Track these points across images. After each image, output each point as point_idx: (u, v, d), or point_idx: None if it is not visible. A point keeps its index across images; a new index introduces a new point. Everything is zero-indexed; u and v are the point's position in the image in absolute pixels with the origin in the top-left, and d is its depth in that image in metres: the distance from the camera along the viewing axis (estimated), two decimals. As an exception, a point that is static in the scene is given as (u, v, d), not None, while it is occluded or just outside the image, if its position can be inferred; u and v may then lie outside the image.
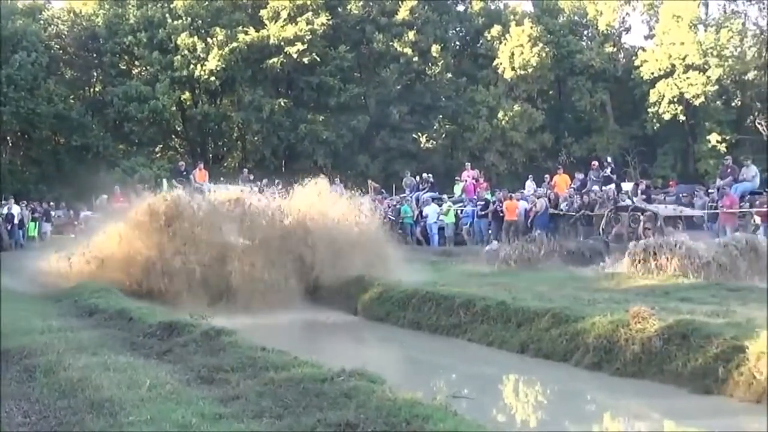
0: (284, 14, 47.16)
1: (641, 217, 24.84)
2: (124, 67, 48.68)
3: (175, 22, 46.35)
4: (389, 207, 34.52)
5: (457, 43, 55.51)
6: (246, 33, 46.57)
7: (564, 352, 13.23)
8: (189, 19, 46.57)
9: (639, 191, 29.62)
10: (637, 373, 11.96)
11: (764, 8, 55.16)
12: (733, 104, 51.16)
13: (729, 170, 29.84)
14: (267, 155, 47.52)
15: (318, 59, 47.22)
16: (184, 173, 32.12)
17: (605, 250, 23.13)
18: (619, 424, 11.11)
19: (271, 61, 46.40)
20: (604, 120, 52.16)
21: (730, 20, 52.62)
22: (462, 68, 52.99)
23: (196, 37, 46.05)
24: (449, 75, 51.08)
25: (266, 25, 47.33)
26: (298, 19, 46.96)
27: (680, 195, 28.57)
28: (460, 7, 55.27)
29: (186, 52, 45.69)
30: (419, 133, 49.09)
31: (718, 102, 50.15)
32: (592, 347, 12.68)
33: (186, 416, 8.06)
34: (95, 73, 49.94)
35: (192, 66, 45.58)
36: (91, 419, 8.13)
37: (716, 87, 49.53)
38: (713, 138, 48.91)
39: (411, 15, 50.14)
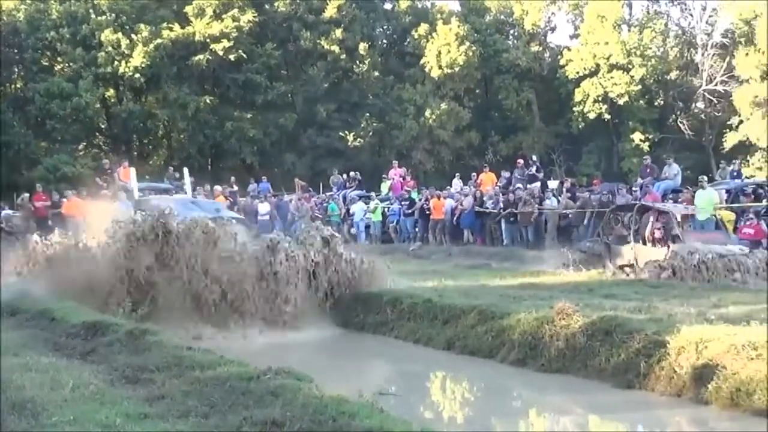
0: (210, 11, 46.72)
1: (651, 217, 23.42)
2: (47, 64, 47.72)
3: (99, 18, 45.50)
4: (316, 205, 34.51)
5: (385, 41, 55.65)
6: (171, 30, 46.05)
7: (490, 349, 13.44)
8: (113, 15, 45.73)
9: (564, 189, 30.00)
10: (562, 368, 12.24)
11: (686, 9, 55.88)
12: (655, 103, 52.04)
13: (648, 170, 30.54)
14: (193, 153, 47.08)
15: (244, 56, 47.01)
16: (109, 171, 31.74)
17: (606, 252, 22.46)
18: (544, 419, 11.36)
19: (196, 58, 46.00)
20: (530, 118, 52.58)
21: (653, 21, 53.43)
22: (389, 66, 53.09)
23: (120, 34, 45.24)
24: (376, 73, 51.20)
25: (191, 21, 46.87)
26: (224, 16, 46.59)
27: (603, 193, 28.90)
28: (388, 6, 55.39)
29: (110, 48, 44.88)
30: (346, 131, 49.09)
31: (641, 101, 50.88)
32: (518, 344, 12.92)
33: (110, 416, 7.95)
34: (16, 69, 48.73)
35: (116, 63, 44.84)
36: (13, 420, 7.96)
37: (639, 86, 50.27)
38: (636, 137, 49.80)
39: (338, 13, 50.09)
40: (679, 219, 22.68)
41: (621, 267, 21.37)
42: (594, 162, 49.76)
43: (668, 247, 21.29)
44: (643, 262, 21.14)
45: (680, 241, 21.49)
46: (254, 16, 47.65)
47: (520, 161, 35.69)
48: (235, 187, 33.98)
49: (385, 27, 55.86)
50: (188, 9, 47.12)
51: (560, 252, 23.52)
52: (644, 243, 21.96)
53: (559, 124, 51.98)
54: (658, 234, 22.12)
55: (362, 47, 50.37)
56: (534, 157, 37.72)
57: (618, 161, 49.44)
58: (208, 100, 46.63)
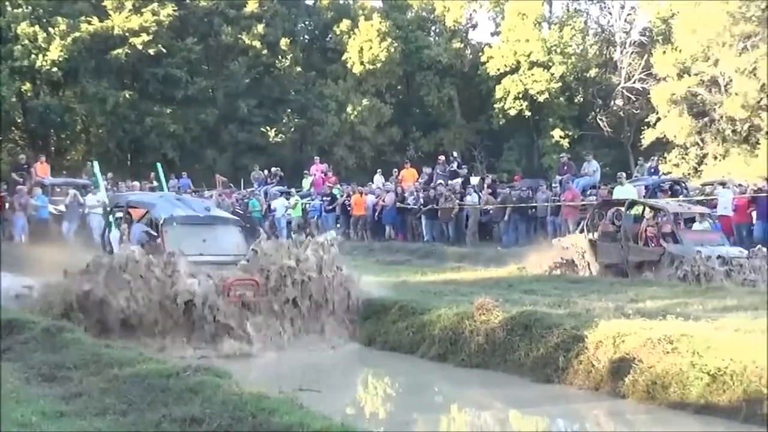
0: (129, 5, 46.09)
1: (646, 214, 22.61)
2: (-39, 57, 46.59)
3: (15, 11, 44.61)
4: (237, 201, 34.39)
5: (306, 36, 55.72)
6: (89, 23, 45.29)
7: (411, 344, 13.73)
8: (29, 7, 44.92)
9: (485, 185, 30.31)
10: (482, 363, 12.45)
11: (605, 7, 56.77)
12: (575, 101, 52.69)
13: (566, 167, 31.07)
14: (112, 148, 46.50)
15: (164, 51, 46.52)
16: (25, 167, 31.28)
17: (591, 251, 21.58)
18: (465, 414, 11.55)
19: (115, 52, 45.35)
20: (451, 115, 52.83)
21: (572, 19, 54.53)
22: (311, 62, 53.12)
23: (37, 27, 44.40)
24: (298, 69, 51.15)
25: (110, 15, 46.19)
26: (143, 10, 46.05)
27: (523, 189, 29.26)
28: (309, 1, 55.35)
29: (26, 41, 44.01)
30: (268, 127, 48.90)
31: (561, 98, 51.56)
32: (438, 339, 13.15)
33: (26, 415, 7.90)
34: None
35: (33, 56, 43.99)
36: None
37: (559, 84, 50.99)
38: (556, 133, 50.53)
39: (260, 8, 49.92)
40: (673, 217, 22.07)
41: (608, 267, 20.76)
42: (515, 158, 50.31)
43: (661, 246, 20.86)
44: (635, 262, 20.72)
45: (673, 241, 21.02)
46: (174, 11, 47.18)
47: (442, 157, 35.97)
48: (155, 183, 33.53)
49: (306, 22, 55.88)
50: (107, 2, 46.44)
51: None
52: (636, 242, 21.25)
53: (480, 120, 52.31)
54: (651, 232, 21.39)
55: (284, 43, 50.32)
56: (455, 154, 38.38)
57: (538, 158, 50.10)
58: (127, 95, 46.04)
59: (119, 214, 19.17)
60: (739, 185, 30.82)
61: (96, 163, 26.15)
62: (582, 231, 22.35)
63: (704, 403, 9.74)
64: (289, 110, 50.67)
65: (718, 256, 19.59)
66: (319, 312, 15.18)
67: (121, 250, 15.45)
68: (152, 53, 46.19)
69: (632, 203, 23.16)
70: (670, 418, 9.73)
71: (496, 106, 50.68)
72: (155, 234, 16.82)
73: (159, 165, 26.77)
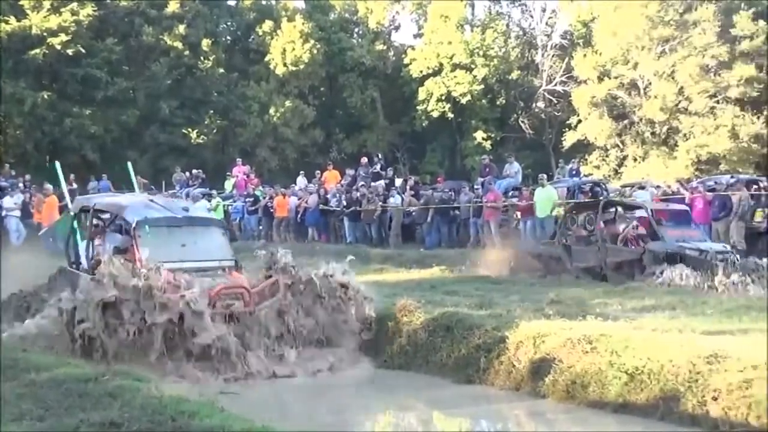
0: (47, 4, 45.39)
1: (627, 215, 22.43)
2: None
3: (-71, 10, 43.69)
4: (159, 203, 33.67)
5: (229, 37, 55.66)
6: (6, 23, 44.54)
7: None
8: (-56, 6, 44.03)
9: (408, 187, 30.57)
10: (404, 365, 12.72)
11: (527, 10, 57.51)
12: (497, 103, 53.02)
13: (488, 168, 31.56)
14: (30, 150, 45.60)
15: (84, 51, 45.85)
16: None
17: (566, 255, 21.24)
18: (388, 416, 11.62)
19: (33, 53, 44.62)
20: (374, 117, 53.00)
21: (494, 21, 55.02)
22: (233, 63, 53.07)
23: (-48, 27, 43.43)
24: (221, 70, 51.01)
25: (28, 15, 45.47)
26: (62, 9, 45.41)
27: (446, 191, 29.54)
28: (231, 2, 55.20)
29: (-58, 41, 43.11)
30: (189, 128, 48.51)
31: (483, 100, 51.79)
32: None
33: (-64, 421, 7.98)
34: None
35: (-52, 56, 43.01)
36: None
37: (482, 86, 51.28)
38: (479, 135, 50.75)
39: (181, 8, 49.53)
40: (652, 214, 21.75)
41: (585, 270, 20.39)
42: (438, 160, 50.74)
43: (641, 245, 20.64)
44: (614, 263, 20.45)
45: (652, 239, 20.78)
46: (94, 11, 46.51)
47: (364, 159, 36.33)
48: (74, 185, 33.09)
49: (228, 23, 55.69)
50: (24, 2, 45.67)
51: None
52: (614, 243, 20.96)
53: (404, 122, 52.48)
54: (631, 232, 21.20)
55: (206, 43, 50.12)
56: (378, 155, 38.51)
57: (461, 159, 50.52)
58: (45, 96, 45.27)
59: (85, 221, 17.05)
60: (657, 187, 31.29)
61: (57, 164, 23.49)
62: (554, 236, 22.19)
63: (622, 401, 9.97)
64: (212, 111, 50.55)
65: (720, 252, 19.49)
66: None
67: (103, 267, 13.51)
68: (71, 53, 45.51)
69: (607, 204, 23.01)
70: (589, 417, 9.91)
71: (419, 107, 50.97)
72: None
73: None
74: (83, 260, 15.68)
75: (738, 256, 19.35)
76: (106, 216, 16.49)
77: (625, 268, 20.24)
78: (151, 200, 16.40)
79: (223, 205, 34.11)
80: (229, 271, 14.49)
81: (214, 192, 35.89)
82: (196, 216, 16.56)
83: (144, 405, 8.21)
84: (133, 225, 14.44)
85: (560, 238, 21.58)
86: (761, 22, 48.75)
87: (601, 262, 20.35)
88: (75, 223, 17.03)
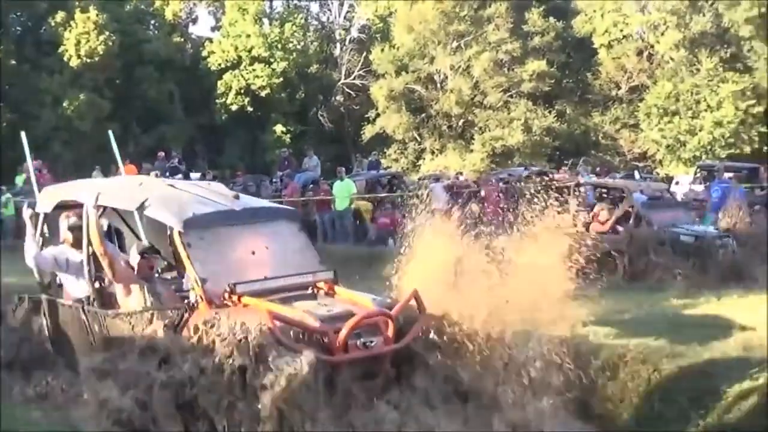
0: None
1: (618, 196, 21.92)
2: None
3: None
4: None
5: (19, 28, 54.49)
6: None
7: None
8: None
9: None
10: None
11: (325, 4, 58.91)
12: (297, 96, 53.72)
13: (287, 162, 32.28)
14: None
15: None
16: None
17: None
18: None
19: None
20: (172, 110, 52.94)
21: (293, 15, 55.46)
22: (24, 54, 51.79)
23: None
24: (12, 62, 49.72)
25: None
26: None
27: (247, 185, 29.88)
28: None
29: None
30: None
31: (283, 94, 52.12)
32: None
33: None
34: None
35: None
36: None
37: (281, 79, 51.43)
38: (279, 129, 50.91)
39: None
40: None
41: None
42: (237, 154, 51.03)
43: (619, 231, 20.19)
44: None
45: (635, 225, 20.43)
46: None
47: (161, 153, 36.37)
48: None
49: (18, 14, 54.39)
50: None
51: None
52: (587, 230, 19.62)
53: (203, 115, 52.66)
54: (604, 217, 20.57)
55: None
56: (176, 150, 38.64)
57: (262, 153, 51.07)
58: None
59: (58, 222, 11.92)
60: (457, 177, 33.17)
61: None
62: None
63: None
64: (2, 105, 49.04)
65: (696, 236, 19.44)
66: None
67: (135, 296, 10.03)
68: None
69: (578, 185, 23.51)
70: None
71: (218, 101, 51.24)
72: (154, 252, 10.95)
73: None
74: (67, 282, 11.30)
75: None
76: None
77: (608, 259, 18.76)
78: (171, 185, 11.66)
79: (14, 201, 33.29)
80: (329, 287, 10.08)
81: (3, 188, 34.38)
82: (260, 206, 11.86)
83: None
84: (180, 228, 9.92)
85: None
86: (552, 19, 52.48)
87: None
88: (43, 228, 12.08)
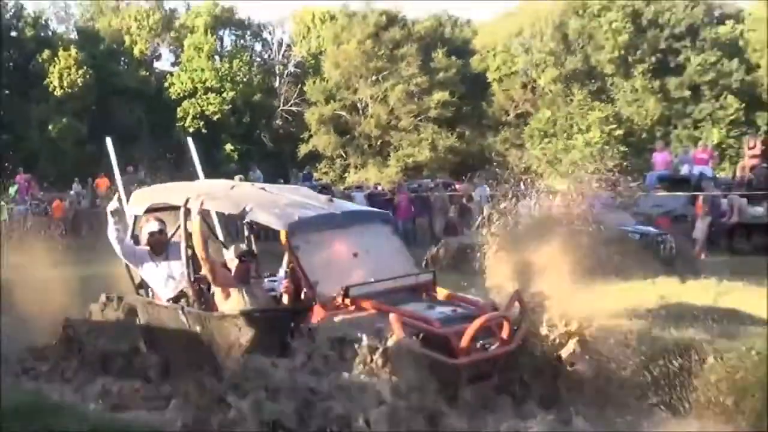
0: None
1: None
2: None
3: None
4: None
5: (11, 64, 55.63)
6: None
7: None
8: None
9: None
10: None
11: (267, 44, 63.20)
12: (243, 120, 56.61)
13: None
14: None
15: None
16: None
17: None
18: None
19: None
20: (141, 132, 55.16)
21: (240, 53, 59.00)
22: (16, 85, 53.73)
23: None
24: (6, 92, 53.00)
25: None
26: None
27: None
28: (14, 33, 56.22)
29: None
30: None
31: (232, 118, 55.51)
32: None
33: None
34: None
35: None
36: None
37: (230, 106, 55.05)
38: (228, 147, 54.40)
39: None
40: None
41: None
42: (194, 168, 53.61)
43: None
44: None
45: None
46: None
47: (130, 167, 35.05)
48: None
49: (11, 51, 55.85)
50: None
51: None
52: None
53: (166, 137, 55.08)
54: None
55: None
56: (142, 165, 41.16)
57: (215, 167, 48.09)
58: None
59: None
60: (375, 187, 35.95)
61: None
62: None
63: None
64: None
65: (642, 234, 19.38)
66: None
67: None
68: None
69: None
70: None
71: (178, 124, 53.95)
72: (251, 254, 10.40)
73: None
74: (160, 285, 10.65)
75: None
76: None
77: None
78: (262, 188, 11.05)
79: (8, 208, 34.98)
80: (431, 288, 9.64)
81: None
82: (357, 209, 11.65)
83: None
84: (287, 232, 9.31)
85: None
86: (453, 58, 55.62)
87: None
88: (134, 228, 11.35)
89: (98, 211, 29.58)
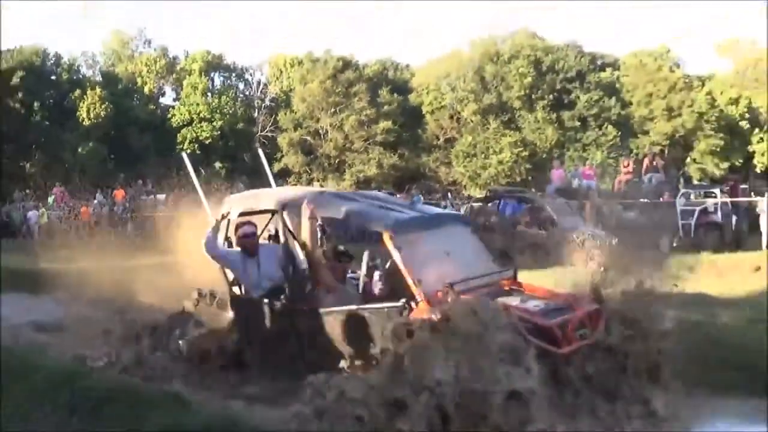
0: None
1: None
2: None
3: None
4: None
5: (51, 101, 61.14)
6: None
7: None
8: None
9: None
10: None
11: (248, 83, 69.12)
12: (230, 144, 62.08)
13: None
14: None
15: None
16: None
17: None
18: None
19: None
20: (148, 154, 58.85)
21: (227, 90, 65.30)
22: (54, 117, 59.47)
23: None
24: (46, 123, 58.62)
25: None
26: None
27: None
28: (53, 77, 62.14)
29: None
30: (28, 164, 56.17)
31: (220, 142, 60.86)
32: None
33: None
34: None
35: None
36: None
37: (219, 133, 60.40)
38: (217, 165, 58.60)
39: (20, 81, 56.98)
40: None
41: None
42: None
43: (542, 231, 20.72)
44: (522, 246, 20.07)
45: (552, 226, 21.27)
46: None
47: (140, 182, 42.12)
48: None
49: (51, 92, 61.11)
50: None
51: None
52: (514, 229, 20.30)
53: (168, 157, 51.08)
54: (529, 219, 21.56)
55: (36, 105, 58.09)
56: (150, 180, 43.29)
57: (206, 182, 52.39)
58: None
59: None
60: None
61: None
62: None
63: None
64: (38, 151, 57.15)
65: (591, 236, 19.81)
66: None
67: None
68: None
69: (493, 198, 24.58)
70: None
71: (178, 147, 55.81)
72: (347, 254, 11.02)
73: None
74: (254, 283, 11.05)
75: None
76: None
77: (534, 250, 20.07)
78: (343, 195, 11.54)
79: (47, 214, 37.18)
80: (513, 283, 10.07)
81: (40, 204, 39.88)
82: (442, 212, 12.96)
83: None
84: (386, 230, 9.74)
85: None
86: (395, 95, 61.23)
87: (509, 246, 18.96)
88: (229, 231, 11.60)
89: (115, 215, 35.72)
